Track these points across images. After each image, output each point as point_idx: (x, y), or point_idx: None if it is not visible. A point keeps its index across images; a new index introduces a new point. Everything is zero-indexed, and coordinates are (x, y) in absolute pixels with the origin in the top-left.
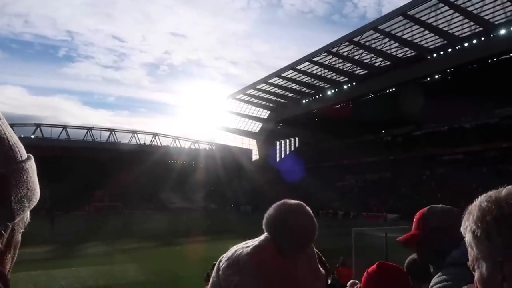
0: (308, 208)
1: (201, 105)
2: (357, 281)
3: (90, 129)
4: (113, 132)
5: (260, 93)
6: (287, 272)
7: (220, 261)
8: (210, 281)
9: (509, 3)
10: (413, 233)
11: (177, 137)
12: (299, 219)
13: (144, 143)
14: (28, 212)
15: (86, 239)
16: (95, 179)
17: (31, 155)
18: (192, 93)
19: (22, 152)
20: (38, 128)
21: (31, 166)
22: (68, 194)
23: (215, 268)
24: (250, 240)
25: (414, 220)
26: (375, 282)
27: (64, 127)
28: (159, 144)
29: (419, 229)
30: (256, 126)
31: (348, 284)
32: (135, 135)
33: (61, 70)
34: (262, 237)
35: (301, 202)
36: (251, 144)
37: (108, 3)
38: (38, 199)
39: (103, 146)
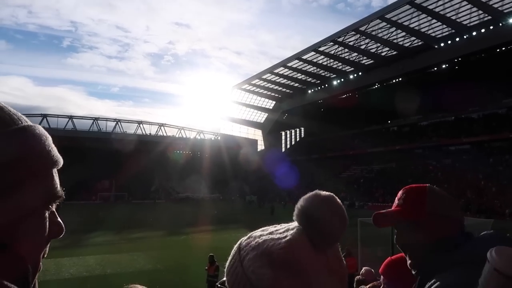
0: (339, 200)
1: (206, 95)
2: (375, 283)
3: (96, 119)
4: (118, 123)
5: (265, 83)
6: (320, 266)
7: (240, 249)
8: (231, 269)
9: None
10: (408, 210)
11: (183, 127)
12: (333, 211)
13: (150, 133)
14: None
15: (93, 229)
16: (101, 169)
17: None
18: (197, 83)
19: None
20: (45, 119)
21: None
22: (75, 184)
23: (235, 256)
24: (273, 228)
25: (404, 196)
26: (398, 268)
27: (70, 117)
28: (164, 134)
29: (415, 211)
30: (261, 116)
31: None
32: (141, 125)
33: (65, 60)
34: (294, 229)
35: (333, 194)
36: (256, 135)
37: None
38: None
39: (109, 136)
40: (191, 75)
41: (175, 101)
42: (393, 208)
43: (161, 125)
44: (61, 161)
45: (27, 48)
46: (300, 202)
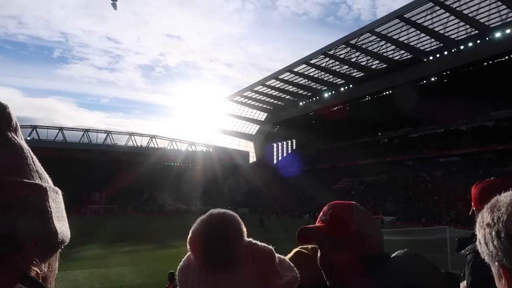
0: (232, 220)
1: (198, 107)
2: None
3: (86, 131)
4: (109, 134)
5: (257, 95)
6: None
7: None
8: None
9: (504, 7)
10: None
11: (174, 139)
12: (201, 230)
13: (141, 145)
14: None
15: (82, 242)
16: (91, 181)
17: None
18: (188, 95)
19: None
20: (34, 130)
21: (60, 196)
22: (64, 196)
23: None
24: None
25: (331, 212)
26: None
27: (60, 129)
28: (156, 146)
29: (343, 227)
30: (253, 128)
31: None
32: (132, 137)
33: (55, 71)
34: (186, 256)
35: (225, 213)
36: (248, 146)
37: (102, 4)
38: (68, 237)
39: (99, 148)
40: (182, 87)
41: (167, 112)
42: (317, 223)
43: (152, 136)
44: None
45: (17, 59)
46: (194, 225)
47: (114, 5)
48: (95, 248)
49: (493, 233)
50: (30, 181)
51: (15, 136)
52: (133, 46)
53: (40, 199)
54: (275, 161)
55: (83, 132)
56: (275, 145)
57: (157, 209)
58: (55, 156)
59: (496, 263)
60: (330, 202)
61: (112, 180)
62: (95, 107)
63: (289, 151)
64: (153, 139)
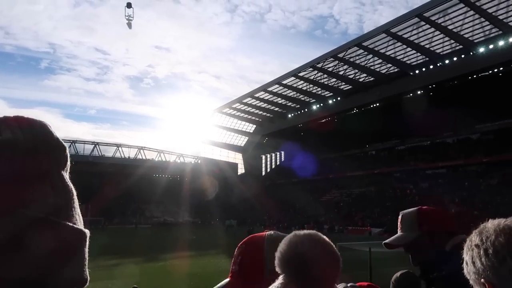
0: (324, 237)
1: (186, 119)
2: None
3: (73, 142)
4: (96, 146)
5: (246, 107)
6: None
7: None
8: None
9: (487, 23)
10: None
11: (162, 150)
12: (322, 251)
13: (129, 157)
14: None
15: None
16: (77, 193)
17: None
18: (177, 107)
19: None
20: None
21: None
22: None
23: None
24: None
25: (240, 259)
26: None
27: None
28: (143, 157)
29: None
30: (242, 140)
31: None
32: (119, 148)
33: (42, 82)
34: (280, 280)
35: (315, 232)
36: (237, 158)
37: (91, 16)
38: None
39: (86, 159)
40: (171, 98)
41: (155, 124)
42: (229, 275)
43: (140, 148)
44: None
45: (3, 70)
46: (280, 247)
47: (129, 25)
48: None
49: (481, 251)
50: (76, 226)
51: (67, 178)
52: (121, 58)
53: (80, 245)
54: (263, 173)
55: (69, 143)
56: (263, 156)
57: (144, 221)
58: None
59: (482, 279)
60: (243, 241)
61: (98, 192)
62: (82, 118)
63: (278, 163)
64: (141, 151)
